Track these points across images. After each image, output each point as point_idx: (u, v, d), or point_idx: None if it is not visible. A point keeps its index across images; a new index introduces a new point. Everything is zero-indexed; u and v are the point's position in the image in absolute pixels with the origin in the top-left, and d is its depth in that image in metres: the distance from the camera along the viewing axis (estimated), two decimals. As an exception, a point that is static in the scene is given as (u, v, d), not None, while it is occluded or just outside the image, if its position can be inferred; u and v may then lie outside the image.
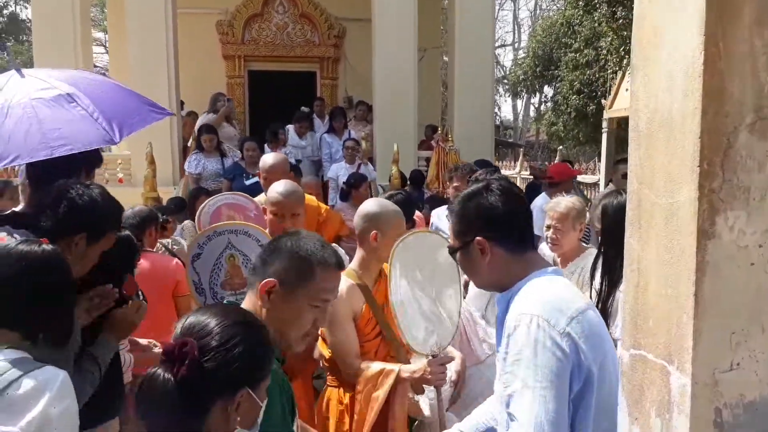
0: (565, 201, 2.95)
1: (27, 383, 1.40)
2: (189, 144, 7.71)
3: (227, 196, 3.19)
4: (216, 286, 2.61)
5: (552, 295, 1.43)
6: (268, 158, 3.69)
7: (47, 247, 1.63)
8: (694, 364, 0.97)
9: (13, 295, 1.54)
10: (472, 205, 1.56)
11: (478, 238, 1.53)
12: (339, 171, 7.06)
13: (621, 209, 2.28)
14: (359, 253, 2.38)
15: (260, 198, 3.57)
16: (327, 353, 2.31)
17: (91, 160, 2.49)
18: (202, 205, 3.10)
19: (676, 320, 1.00)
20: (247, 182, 5.59)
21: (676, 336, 1.01)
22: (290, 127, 7.74)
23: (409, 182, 7.11)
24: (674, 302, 1.00)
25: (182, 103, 8.84)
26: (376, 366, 2.23)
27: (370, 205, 2.44)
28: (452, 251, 1.62)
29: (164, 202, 5.59)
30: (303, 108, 8.36)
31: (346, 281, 2.25)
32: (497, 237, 1.53)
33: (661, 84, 1.02)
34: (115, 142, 2.78)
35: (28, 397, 1.38)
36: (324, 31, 10.37)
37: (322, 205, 3.94)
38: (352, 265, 2.38)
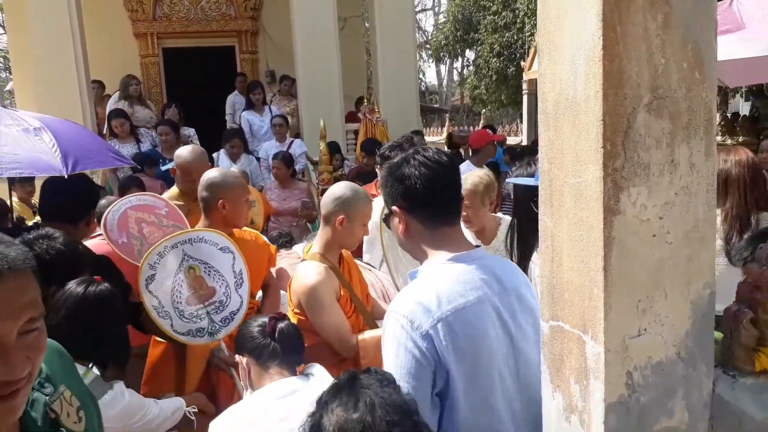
0: (472, 177, 2.82)
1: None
2: (104, 131, 7.33)
3: (131, 199, 2.97)
4: (181, 304, 2.46)
5: (429, 291, 1.40)
6: (185, 152, 3.39)
7: (102, 286, 1.94)
8: (606, 333, 1.04)
9: (85, 332, 1.82)
10: (391, 174, 1.55)
11: (394, 207, 1.54)
12: (269, 150, 6.89)
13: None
14: (324, 234, 2.33)
15: (171, 193, 3.42)
16: (305, 342, 2.19)
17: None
18: (106, 212, 2.87)
19: (588, 293, 1.06)
20: (164, 167, 5.35)
21: (588, 307, 1.06)
22: (221, 152, 6.41)
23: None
24: (585, 276, 1.06)
25: (101, 84, 8.37)
26: (372, 333, 2.25)
27: (341, 189, 2.36)
28: (385, 219, 1.63)
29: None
30: (232, 125, 7.52)
31: (318, 265, 2.26)
32: (409, 208, 1.52)
33: (565, 67, 1.05)
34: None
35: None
36: (240, 4, 10.00)
37: (254, 191, 3.81)
38: (317, 249, 2.33)
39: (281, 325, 1.91)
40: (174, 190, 3.41)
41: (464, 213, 2.81)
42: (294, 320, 2.27)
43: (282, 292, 3.06)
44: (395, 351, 1.38)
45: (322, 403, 1.11)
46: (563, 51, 1.05)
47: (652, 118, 0.99)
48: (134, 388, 2.09)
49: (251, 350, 1.88)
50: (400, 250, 2.39)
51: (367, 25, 12.79)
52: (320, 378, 1.80)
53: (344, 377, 1.16)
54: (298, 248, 3.76)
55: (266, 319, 1.94)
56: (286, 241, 4.27)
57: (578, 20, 1.00)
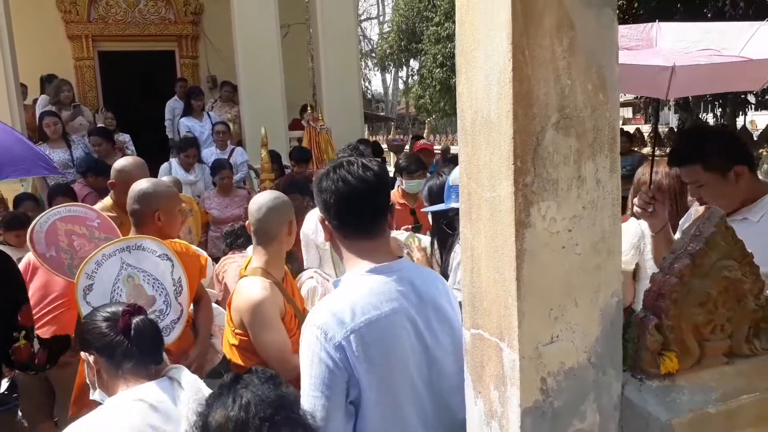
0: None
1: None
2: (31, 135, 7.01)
3: (60, 210, 2.84)
4: None
5: (343, 303, 1.44)
6: (126, 164, 3.27)
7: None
8: (521, 341, 1.08)
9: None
10: (316, 184, 1.58)
11: (320, 216, 1.58)
12: (209, 157, 6.78)
13: (442, 188, 2.53)
14: (262, 250, 2.28)
15: (105, 203, 3.31)
16: (244, 363, 2.17)
17: None
18: (32, 223, 2.74)
19: (503, 302, 1.10)
20: None
21: (504, 316, 1.11)
22: (172, 161, 6.21)
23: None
24: (501, 286, 1.10)
25: (24, 87, 8.03)
26: None
27: (264, 200, 2.31)
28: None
29: (10, 203, 5.08)
30: (188, 133, 7.20)
31: (260, 281, 2.19)
32: (331, 218, 1.55)
33: (480, 86, 1.10)
34: None
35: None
36: (180, 8, 9.82)
37: (183, 197, 3.72)
38: (257, 264, 2.27)
39: (136, 320, 1.68)
40: (107, 201, 3.31)
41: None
42: (234, 341, 2.22)
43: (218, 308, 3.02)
44: (309, 361, 1.41)
45: (208, 404, 1.16)
46: (478, 70, 1.09)
47: (560, 137, 1.04)
48: (65, 404, 2.02)
49: (100, 349, 1.65)
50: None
51: (311, 32, 12.77)
52: (189, 387, 1.63)
53: (228, 377, 1.22)
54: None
55: (118, 310, 1.70)
56: (238, 240, 3.99)
57: (490, 42, 1.05)
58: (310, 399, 1.39)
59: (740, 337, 1.28)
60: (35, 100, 7.78)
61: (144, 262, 2.42)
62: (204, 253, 3.19)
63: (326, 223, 1.57)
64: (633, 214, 2.82)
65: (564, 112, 1.04)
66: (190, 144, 6.16)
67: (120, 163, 3.29)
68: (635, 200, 2.26)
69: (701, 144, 2.07)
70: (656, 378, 1.22)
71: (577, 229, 1.09)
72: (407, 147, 9.39)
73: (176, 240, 2.85)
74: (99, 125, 6.81)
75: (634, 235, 2.68)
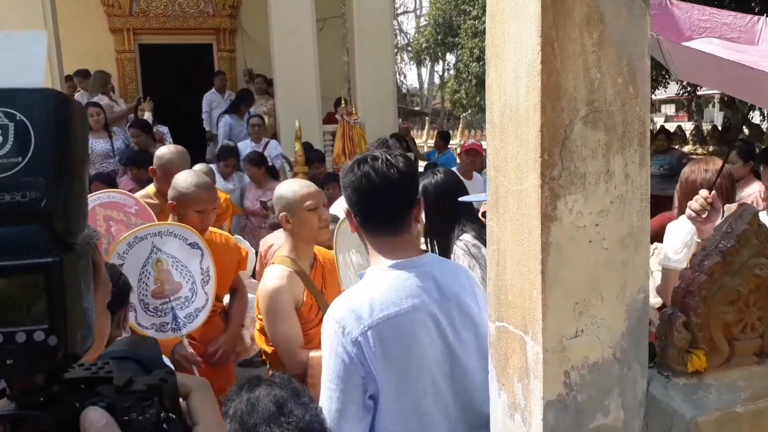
0: None
1: None
2: None
3: (101, 196, 2.92)
4: (147, 297, 2.43)
5: (363, 298, 1.45)
6: (167, 152, 3.34)
7: None
8: (544, 334, 1.08)
9: None
10: (341, 178, 1.60)
11: (346, 210, 1.59)
12: (244, 150, 6.89)
13: (437, 187, 2.53)
14: (287, 238, 2.33)
15: (148, 191, 3.41)
16: (268, 349, 2.23)
17: None
18: None
19: (528, 295, 1.11)
20: None
21: (529, 309, 1.11)
22: (212, 167, 6.21)
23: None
24: (526, 279, 1.11)
25: (72, 79, 8.26)
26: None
27: (276, 189, 2.38)
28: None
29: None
30: (228, 141, 7.27)
31: (283, 270, 2.21)
32: (355, 213, 1.56)
33: (509, 79, 1.10)
34: None
35: None
36: (218, 1, 9.97)
37: (221, 194, 3.67)
38: (285, 252, 2.31)
39: None
40: (150, 188, 3.39)
41: None
42: (258, 326, 2.27)
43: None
44: (327, 353, 1.45)
45: (229, 399, 1.25)
46: (507, 63, 1.10)
47: (588, 130, 1.04)
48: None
49: None
50: (349, 256, 2.39)
51: (347, 26, 12.81)
52: None
53: (249, 378, 1.32)
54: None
55: None
56: None
57: (520, 34, 1.05)
58: (326, 390, 1.43)
59: (772, 337, 1.26)
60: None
61: (174, 248, 2.47)
62: (246, 245, 3.25)
63: (352, 216, 1.58)
64: (681, 213, 2.76)
65: (593, 106, 1.04)
66: (231, 154, 6.13)
67: (162, 151, 3.36)
68: (690, 203, 2.17)
69: None
70: (683, 376, 1.21)
71: (604, 223, 1.08)
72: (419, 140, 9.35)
73: (216, 230, 2.91)
74: (143, 117, 6.96)
75: (688, 232, 2.60)
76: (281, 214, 2.26)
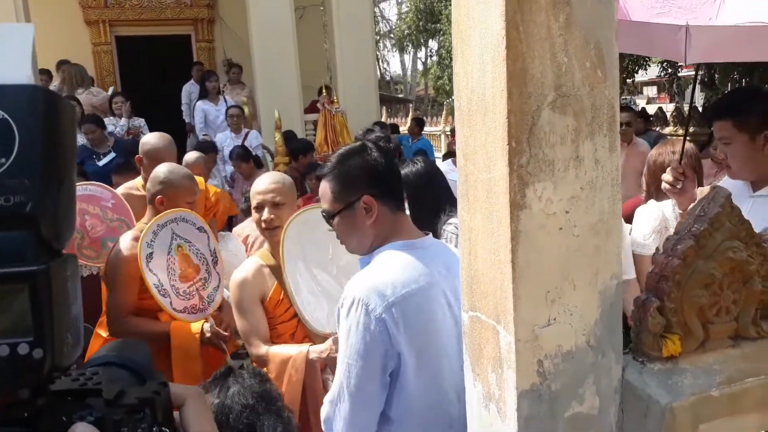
0: None
1: None
2: None
3: (77, 188, 2.93)
4: (176, 282, 2.48)
5: (384, 276, 1.49)
6: (153, 139, 3.29)
7: None
8: (516, 324, 1.07)
9: None
10: (353, 163, 1.58)
11: (365, 196, 1.57)
12: (224, 141, 6.82)
13: (418, 176, 2.55)
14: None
15: (135, 182, 3.34)
16: None
17: None
18: None
19: (499, 284, 1.09)
20: (100, 163, 5.12)
21: (500, 298, 1.10)
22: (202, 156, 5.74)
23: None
24: (497, 268, 1.09)
25: (49, 72, 8.10)
26: (283, 350, 2.17)
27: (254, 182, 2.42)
28: (331, 215, 1.62)
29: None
30: (204, 136, 7.13)
31: (254, 263, 2.25)
32: (382, 194, 1.58)
33: (475, 66, 1.07)
34: None
35: None
36: (196, -9, 9.85)
37: (211, 188, 3.61)
38: (265, 246, 2.35)
39: None
40: (138, 180, 3.30)
41: None
42: None
43: None
44: (347, 331, 1.46)
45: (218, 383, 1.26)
46: (473, 49, 1.07)
47: (556, 116, 1.02)
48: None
49: None
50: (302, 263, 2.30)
51: (326, 13, 12.67)
52: None
53: (221, 370, 1.31)
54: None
55: None
56: None
57: (484, 19, 1.02)
58: (344, 365, 1.45)
59: (746, 319, 1.26)
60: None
61: (189, 233, 2.55)
62: (236, 244, 3.27)
63: (375, 200, 1.58)
64: (649, 197, 2.77)
65: (561, 91, 1.02)
66: (210, 148, 6.04)
67: (148, 138, 3.29)
68: (664, 176, 2.20)
69: (742, 101, 2.01)
70: (658, 361, 1.20)
71: (574, 210, 1.07)
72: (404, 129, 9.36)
73: None
74: (119, 111, 6.84)
75: (655, 218, 2.62)
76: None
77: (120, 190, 3.14)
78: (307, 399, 2.18)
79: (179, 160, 4.55)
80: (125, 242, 2.52)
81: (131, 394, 0.49)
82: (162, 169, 2.69)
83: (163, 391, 0.50)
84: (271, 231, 2.24)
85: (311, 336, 2.28)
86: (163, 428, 0.49)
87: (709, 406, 1.17)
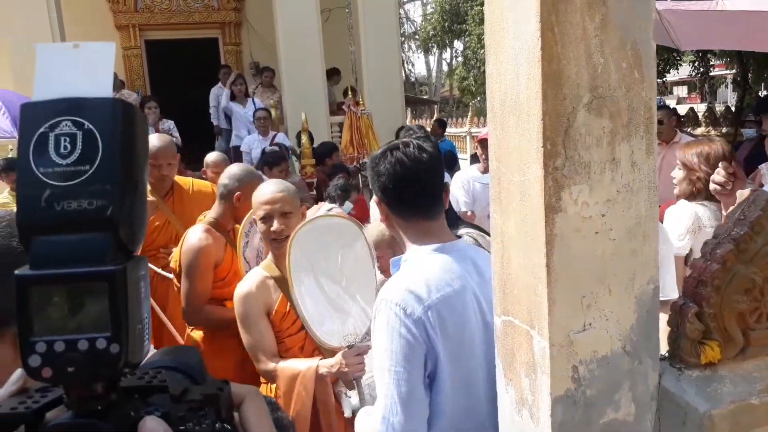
0: None
1: None
2: None
3: None
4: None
5: (420, 279, 1.47)
6: (152, 140, 3.26)
7: None
8: (551, 329, 1.05)
9: None
10: (372, 167, 1.61)
11: (375, 198, 1.61)
12: (252, 144, 6.88)
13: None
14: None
15: None
16: None
17: None
18: None
19: (533, 289, 1.08)
20: None
21: (534, 303, 1.08)
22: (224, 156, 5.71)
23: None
24: (531, 272, 1.07)
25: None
26: (292, 365, 2.11)
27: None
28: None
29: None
30: (273, 147, 7.04)
31: (258, 275, 2.19)
32: (388, 202, 1.58)
33: (509, 67, 1.06)
34: (15, 137, 3.20)
35: None
36: (223, -5, 9.97)
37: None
38: (271, 257, 2.27)
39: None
40: None
41: None
42: None
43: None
44: (389, 337, 1.44)
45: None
46: (507, 50, 1.06)
47: (592, 118, 1.00)
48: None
49: None
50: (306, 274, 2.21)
51: (352, 16, 12.72)
52: None
53: None
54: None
55: None
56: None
57: (519, 20, 1.01)
58: (392, 373, 1.43)
59: (788, 325, 1.22)
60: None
61: None
62: None
63: (383, 205, 1.59)
64: (681, 197, 2.70)
65: (596, 92, 1.00)
66: (282, 158, 5.82)
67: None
68: (713, 176, 2.11)
69: None
70: (696, 368, 1.17)
71: (611, 213, 1.05)
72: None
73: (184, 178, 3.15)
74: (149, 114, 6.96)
75: (689, 217, 2.56)
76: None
77: None
78: (319, 414, 2.13)
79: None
80: (197, 234, 2.63)
81: (195, 392, 0.51)
82: (238, 169, 2.84)
83: (225, 389, 0.52)
84: (279, 242, 2.19)
85: (321, 348, 2.21)
86: (225, 425, 0.51)
87: (749, 415, 1.14)
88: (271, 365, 2.13)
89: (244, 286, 2.17)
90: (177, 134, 6.96)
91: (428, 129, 11.56)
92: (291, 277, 2.08)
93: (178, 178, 3.42)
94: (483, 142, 4.52)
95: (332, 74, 8.85)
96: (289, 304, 2.18)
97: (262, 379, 2.29)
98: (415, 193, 1.55)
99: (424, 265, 1.52)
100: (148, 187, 3.40)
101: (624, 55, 1.01)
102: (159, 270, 3.07)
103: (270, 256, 2.28)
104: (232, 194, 2.73)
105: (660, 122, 4.88)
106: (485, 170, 4.05)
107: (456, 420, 1.48)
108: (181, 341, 2.77)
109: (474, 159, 7.99)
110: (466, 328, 1.48)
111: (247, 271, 2.49)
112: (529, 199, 1.05)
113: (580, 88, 0.99)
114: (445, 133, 9.94)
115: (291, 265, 2.08)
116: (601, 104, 1.01)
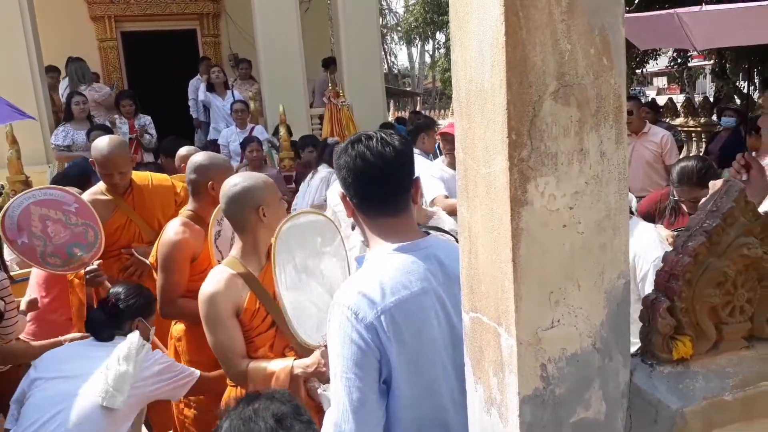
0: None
1: None
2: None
3: (35, 193, 2.79)
4: None
5: (374, 281, 1.41)
6: (102, 143, 3.14)
7: None
8: (518, 326, 1.02)
9: None
10: (335, 160, 1.55)
11: (341, 193, 1.54)
12: (230, 137, 6.80)
13: None
14: (237, 238, 2.21)
15: (99, 187, 3.23)
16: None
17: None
18: (5, 207, 2.70)
19: (500, 284, 1.04)
20: None
21: (501, 299, 1.04)
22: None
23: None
24: (497, 268, 1.03)
25: (57, 69, 8.05)
26: (266, 366, 2.05)
27: (241, 183, 2.16)
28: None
29: (34, 184, 5.14)
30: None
31: (224, 272, 2.11)
32: (350, 197, 1.52)
33: (473, 55, 1.02)
34: None
35: None
36: (201, -15, 9.80)
37: (178, 183, 3.46)
38: (234, 253, 2.19)
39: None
40: (102, 184, 3.25)
41: None
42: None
43: None
44: (341, 342, 1.39)
45: (226, 411, 1.21)
46: (471, 36, 1.01)
47: (559, 107, 0.96)
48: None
49: None
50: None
51: (332, 7, 12.58)
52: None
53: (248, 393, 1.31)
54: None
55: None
56: None
57: (483, 4, 0.97)
58: (343, 380, 1.37)
59: (762, 319, 1.20)
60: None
61: None
62: None
63: (347, 199, 1.53)
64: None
65: (563, 80, 0.96)
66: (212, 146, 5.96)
67: (98, 143, 3.17)
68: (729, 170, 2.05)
69: None
70: (668, 364, 1.14)
71: (579, 206, 1.01)
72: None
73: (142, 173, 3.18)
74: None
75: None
76: (259, 207, 2.11)
77: (86, 196, 3.04)
78: None
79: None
80: (174, 227, 2.63)
81: None
82: (201, 158, 2.76)
83: None
84: None
85: (293, 346, 2.16)
86: None
87: (723, 411, 1.11)
88: (242, 365, 2.06)
89: (210, 286, 2.08)
90: (153, 130, 6.81)
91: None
92: (275, 268, 2.04)
93: (135, 174, 3.31)
94: (445, 136, 4.40)
95: (329, 63, 8.74)
96: (258, 301, 2.12)
97: (229, 383, 2.22)
98: (377, 188, 1.48)
99: (381, 267, 1.44)
100: (104, 187, 3.33)
101: (592, 40, 0.96)
102: (143, 258, 3.00)
103: (235, 251, 2.20)
104: (204, 185, 2.68)
105: (629, 113, 4.88)
106: (450, 164, 3.97)
107: (418, 427, 1.43)
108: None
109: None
110: (425, 332, 1.42)
111: (219, 260, 2.45)
112: (494, 191, 1.01)
113: (546, 76, 0.95)
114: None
115: (275, 256, 2.04)
116: (569, 92, 0.97)
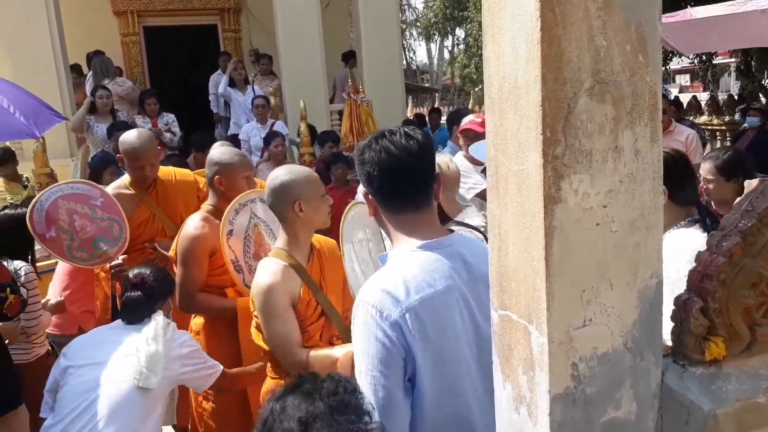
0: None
1: None
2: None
3: (63, 187, 2.82)
4: (249, 259, 2.63)
5: (398, 279, 1.40)
6: (131, 137, 3.15)
7: None
8: (549, 324, 1.01)
9: None
10: (358, 156, 1.54)
11: (364, 191, 1.54)
12: (251, 132, 6.82)
13: None
14: (283, 229, 2.22)
15: (123, 181, 3.26)
16: (266, 346, 2.16)
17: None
18: (33, 201, 2.73)
19: (531, 283, 1.03)
20: None
21: (533, 297, 1.04)
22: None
23: None
24: (529, 265, 1.03)
25: (79, 67, 8.16)
26: (329, 353, 2.04)
27: (279, 177, 2.17)
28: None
29: (59, 178, 5.21)
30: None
31: (276, 264, 2.12)
32: (374, 193, 1.51)
33: (507, 50, 1.01)
34: (36, 136, 3.55)
35: None
36: (222, -19, 9.85)
37: (200, 179, 3.42)
38: (280, 244, 2.21)
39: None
40: (125, 178, 3.27)
41: None
42: (254, 323, 2.19)
43: None
44: (366, 340, 1.39)
45: (279, 395, 1.16)
46: (505, 32, 1.01)
47: (594, 104, 0.95)
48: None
49: None
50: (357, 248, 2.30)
51: (352, 3, 12.57)
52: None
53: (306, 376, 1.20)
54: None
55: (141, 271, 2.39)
56: None
57: (518, 1, 0.96)
58: (369, 378, 1.37)
59: (796, 321, 1.18)
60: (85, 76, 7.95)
61: (266, 213, 2.62)
62: None
63: (370, 197, 1.53)
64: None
65: (599, 77, 0.95)
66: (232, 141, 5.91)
67: (126, 137, 3.19)
68: None
69: None
70: (700, 365, 1.13)
71: (613, 204, 1.00)
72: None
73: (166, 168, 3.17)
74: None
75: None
76: (295, 202, 2.12)
77: (109, 190, 3.07)
78: None
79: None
80: (194, 222, 2.66)
81: None
82: (213, 152, 2.79)
83: None
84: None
85: (340, 335, 2.19)
86: None
87: (755, 413, 1.10)
88: (302, 355, 2.06)
89: (266, 278, 2.08)
90: (177, 128, 6.84)
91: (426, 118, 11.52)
92: (343, 251, 2.16)
93: (159, 170, 3.33)
94: (466, 132, 4.12)
95: (349, 57, 8.75)
96: (310, 291, 2.16)
97: (270, 374, 2.24)
98: (402, 182, 1.47)
99: (405, 264, 1.44)
100: (127, 181, 3.37)
101: (628, 37, 0.95)
102: (166, 252, 3.03)
103: (281, 243, 2.21)
104: (212, 179, 2.70)
105: (663, 111, 4.79)
106: (470, 159, 3.93)
107: (442, 426, 1.42)
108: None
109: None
110: (449, 330, 1.41)
111: (232, 260, 2.46)
112: (527, 189, 1.00)
113: (581, 72, 0.94)
114: (442, 121, 9.83)
115: (344, 238, 2.17)
116: (604, 89, 0.96)
